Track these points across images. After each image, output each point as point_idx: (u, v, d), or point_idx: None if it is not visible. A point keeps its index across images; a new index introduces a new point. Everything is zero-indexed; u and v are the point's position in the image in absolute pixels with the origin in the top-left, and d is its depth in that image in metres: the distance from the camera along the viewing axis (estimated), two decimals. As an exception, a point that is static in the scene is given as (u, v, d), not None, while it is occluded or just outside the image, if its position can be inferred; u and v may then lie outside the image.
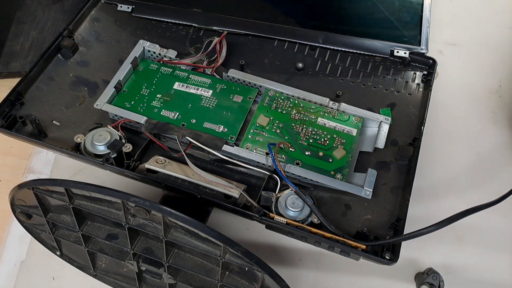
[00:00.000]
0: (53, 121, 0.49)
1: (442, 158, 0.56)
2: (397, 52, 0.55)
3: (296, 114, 0.49)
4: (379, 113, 0.50)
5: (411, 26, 0.57)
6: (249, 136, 0.47)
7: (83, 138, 0.47)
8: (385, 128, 0.48)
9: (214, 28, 0.57)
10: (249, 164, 0.46)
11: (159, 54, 0.53)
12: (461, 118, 0.59)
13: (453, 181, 0.54)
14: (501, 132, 0.58)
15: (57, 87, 0.52)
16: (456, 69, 0.63)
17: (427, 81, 0.53)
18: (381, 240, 0.42)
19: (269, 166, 0.45)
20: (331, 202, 0.45)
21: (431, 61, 0.54)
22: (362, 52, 0.55)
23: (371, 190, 0.44)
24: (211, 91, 0.50)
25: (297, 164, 0.45)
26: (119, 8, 0.59)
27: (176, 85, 0.51)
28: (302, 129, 0.48)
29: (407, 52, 0.54)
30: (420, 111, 0.51)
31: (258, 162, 0.46)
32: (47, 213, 0.43)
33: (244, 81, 0.51)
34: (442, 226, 0.39)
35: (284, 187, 0.44)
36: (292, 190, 0.44)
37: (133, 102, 0.49)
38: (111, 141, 0.46)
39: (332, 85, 0.53)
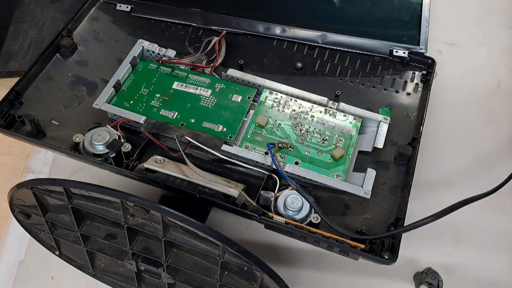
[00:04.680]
0: (52, 121, 0.49)
1: (441, 158, 0.56)
2: (396, 51, 0.55)
3: (295, 114, 0.49)
4: (378, 113, 0.50)
5: (410, 25, 0.57)
6: (248, 136, 0.47)
7: (82, 137, 0.47)
8: (384, 127, 0.48)
9: (213, 27, 0.57)
10: (248, 164, 0.46)
11: (158, 53, 0.53)
12: (460, 117, 0.59)
13: (452, 180, 0.54)
14: (500, 132, 0.58)
15: (56, 87, 0.52)
16: (455, 69, 0.63)
17: (426, 81, 0.53)
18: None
19: (268, 165, 0.45)
20: (330, 201, 0.45)
21: (430, 61, 0.54)
22: (361, 52, 0.55)
23: (370, 190, 0.44)
24: (210, 91, 0.50)
25: (296, 163, 0.45)
26: (118, 8, 0.59)
27: (175, 85, 0.51)
28: (301, 128, 0.48)
29: (406, 52, 0.54)
30: (419, 111, 0.51)
31: (257, 162, 0.46)
32: (46, 212, 0.43)
33: (243, 81, 0.51)
34: (442, 216, 0.39)
35: (283, 187, 0.44)
36: (292, 189, 0.44)
37: (132, 102, 0.49)
38: (110, 141, 0.46)
39: (331, 85, 0.53)
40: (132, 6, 0.59)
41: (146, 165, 0.45)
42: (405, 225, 0.42)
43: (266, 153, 0.46)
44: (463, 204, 0.39)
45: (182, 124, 0.47)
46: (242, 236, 0.51)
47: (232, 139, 0.47)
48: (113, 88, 0.49)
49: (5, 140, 0.54)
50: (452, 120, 0.59)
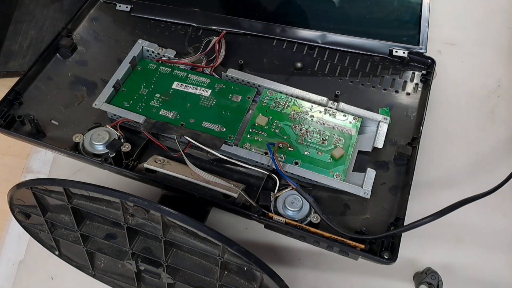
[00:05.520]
0: (52, 121, 0.49)
1: (440, 158, 0.56)
2: (396, 51, 0.55)
3: (295, 114, 0.49)
4: (378, 113, 0.50)
5: (410, 25, 0.57)
6: (248, 136, 0.47)
7: (82, 137, 0.47)
8: (384, 127, 0.48)
9: (212, 27, 0.57)
10: (248, 164, 0.46)
11: (158, 53, 0.53)
12: (459, 117, 0.59)
13: (452, 180, 0.54)
14: (499, 132, 0.58)
15: (56, 87, 0.52)
16: (455, 68, 0.63)
17: (426, 80, 0.53)
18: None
19: (268, 165, 0.45)
20: (330, 201, 0.45)
21: (430, 60, 0.54)
22: (361, 52, 0.55)
23: (370, 190, 0.44)
24: (210, 91, 0.50)
25: (296, 163, 0.45)
26: (117, 8, 0.59)
27: (175, 85, 0.51)
28: (301, 128, 0.48)
29: (406, 52, 0.54)
30: (419, 111, 0.51)
31: (257, 162, 0.46)
32: (46, 212, 0.43)
33: (243, 81, 0.51)
34: (441, 215, 0.39)
35: (283, 187, 0.44)
36: (291, 189, 0.44)
37: (131, 102, 0.49)
38: (110, 141, 0.46)
39: (331, 85, 0.53)
40: (132, 6, 0.59)
41: (146, 165, 0.45)
42: (404, 224, 0.42)
43: (266, 153, 0.46)
44: (463, 203, 0.39)
45: (181, 124, 0.47)
46: (242, 236, 0.51)
47: (231, 139, 0.46)
48: (112, 88, 0.49)
49: (5, 140, 0.54)
50: (452, 120, 0.59)
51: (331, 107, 0.50)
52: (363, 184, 0.44)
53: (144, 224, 0.39)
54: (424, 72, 0.54)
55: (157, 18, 0.58)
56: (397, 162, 0.47)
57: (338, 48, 0.56)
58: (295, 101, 0.50)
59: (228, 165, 0.47)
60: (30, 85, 0.51)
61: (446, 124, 0.58)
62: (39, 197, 0.41)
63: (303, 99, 0.50)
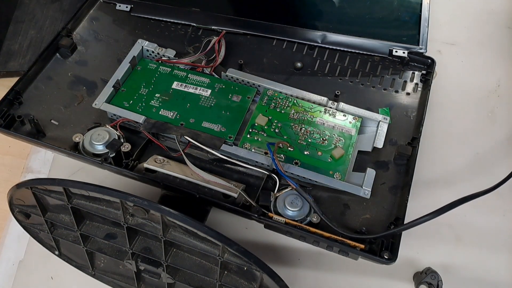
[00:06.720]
0: (52, 121, 0.49)
1: (440, 158, 0.56)
2: (396, 51, 0.55)
3: (295, 114, 0.49)
4: (378, 113, 0.50)
5: (410, 25, 0.57)
6: (248, 136, 0.47)
7: (82, 137, 0.47)
8: (384, 127, 0.48)
9: (212, 27, 0.57)
10: (248, 164, 0.46)
11: (158, 53, 0.53)
12: (459, 117, 0.59)
13: (452, 180, 0.54)
14: (499, 132, 0.58)
15: (56, 87, 0.52)
16: (455, 68, 0.63)
17: (426, 80, 0.53)
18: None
19: (268, 165, 0.45)
20: (330, 201, 0.45)
21: (429, 60, 0.54)
22: (360, 52, 0.55)
23: (370, 190, 0.44)
24: (209, 91, 0.50)
25: (296, 163, 0.45)
26: (117, 8, 0.59)
27: (175, 85, 0.51)
28: (300, 128, 0.48)
29: (406, 52, 0.54)
30: (419, 111, 0.51)
31: (257, 162, 0.46)
32: (46, 212, 0.43)
33: (242, 81, 0.51)
34: (441, 213, 0.39)
35: (283, 187, 0.44)
36: (291, 189, 0.44)
37: (131, 102, 0.49)
38: (110, 141, 0.46)
39: (330, 85, 0.53)
40: (132, 6, 0.59)
41: (145, 165, 0.45)
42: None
43: (266, 153, 0.46)
44: (462, 201, 0.39)
45: (181, 124, 0.47)
46: (242, 236, 0.51)
47: (231, 139, 0.46)
48: (112, 88, 0.49)
49: (5, 140, 0.54)
50: (452, 120, 0.59)
51: (331, 107, 0.50)
52: (363, 184, 0.44)
53: (144, 224, 0.39)
54: (424, 72, 0.54)
55: (157, 18, 0.58)
56: (397, 162, 0.47)
57: (338, 48, 0.56)
58: (295, 101, 0.50)
59: (228, 165, 0.47)
60: (30, 85, 0.51)
61: (446, 124, 0.58)
62: (39, 197, 0.41)
63: (303, 99, 0.50)
